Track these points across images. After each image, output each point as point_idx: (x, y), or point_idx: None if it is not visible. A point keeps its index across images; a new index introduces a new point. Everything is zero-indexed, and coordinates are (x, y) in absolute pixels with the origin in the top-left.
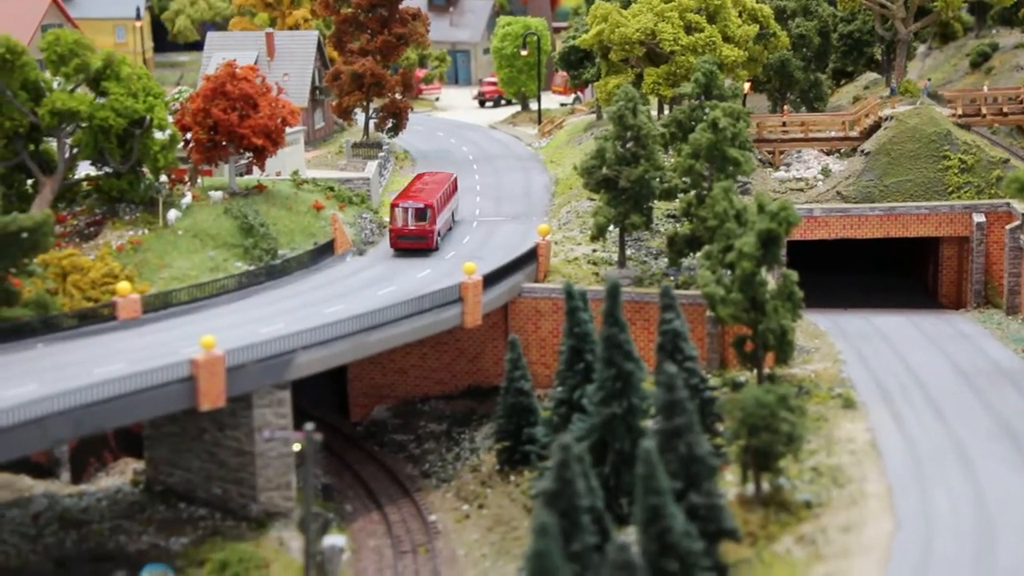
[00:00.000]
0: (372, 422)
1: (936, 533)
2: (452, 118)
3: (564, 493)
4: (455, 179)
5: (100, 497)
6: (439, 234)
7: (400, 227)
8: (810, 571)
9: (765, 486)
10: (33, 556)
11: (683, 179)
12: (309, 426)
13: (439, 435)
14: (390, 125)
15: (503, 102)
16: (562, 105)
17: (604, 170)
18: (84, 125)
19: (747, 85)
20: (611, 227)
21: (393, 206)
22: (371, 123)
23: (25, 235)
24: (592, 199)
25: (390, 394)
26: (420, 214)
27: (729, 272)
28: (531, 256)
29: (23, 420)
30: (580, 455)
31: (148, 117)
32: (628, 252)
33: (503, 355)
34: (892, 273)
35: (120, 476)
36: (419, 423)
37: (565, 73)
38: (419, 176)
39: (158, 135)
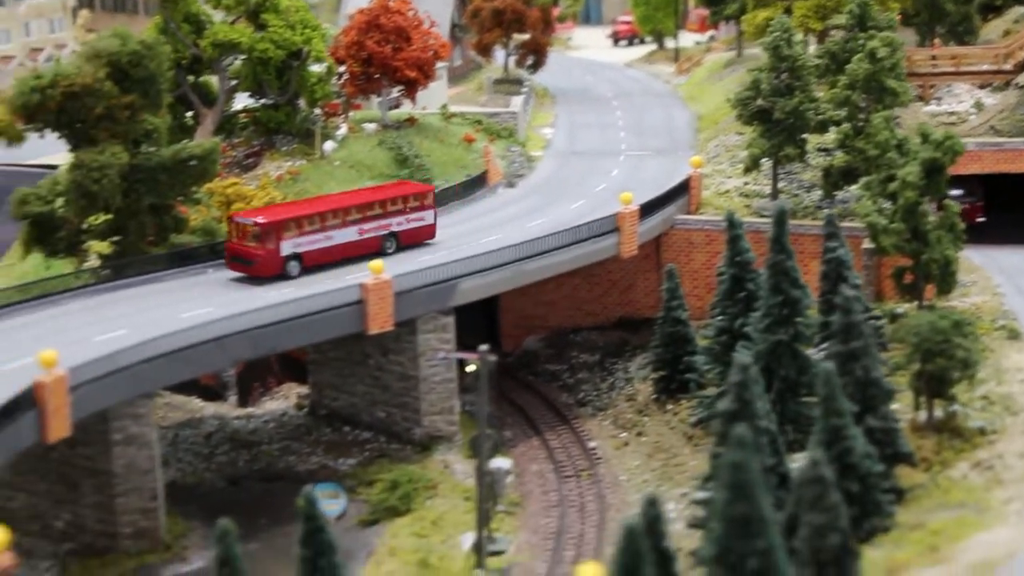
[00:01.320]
0: (524, 353)
1: None
2: (586, 57)
3: (743, 413)
4: (415, 194)
5: (267, 420)
6: (293, 262)
7: (232, 244)
8: (990, 495)
9: (938, 413)
10: (207, 474)
11: (839, 110)
12: (483, 347)
13: (592, 365)
14: (530, 62)
15: (637, 41)
16: (697, 44)
17: (759, 101)
18: (243, 57)
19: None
20: (764, 159)
21: (230, 218)
22: (510, 60)
23: (194, 162)
24: (741, 133)
25: (541, 325)
26: (256, 234)
27: (890, 202)
28: (683, 188)
29: (205, 339)
30: (757, 376)
31: (305, 49)
32: (780, 185)
33: (655, 287)
34: None
35: (284, 401)
36: (571, 354)
37: (701, 11)
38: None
39: (315, 67)
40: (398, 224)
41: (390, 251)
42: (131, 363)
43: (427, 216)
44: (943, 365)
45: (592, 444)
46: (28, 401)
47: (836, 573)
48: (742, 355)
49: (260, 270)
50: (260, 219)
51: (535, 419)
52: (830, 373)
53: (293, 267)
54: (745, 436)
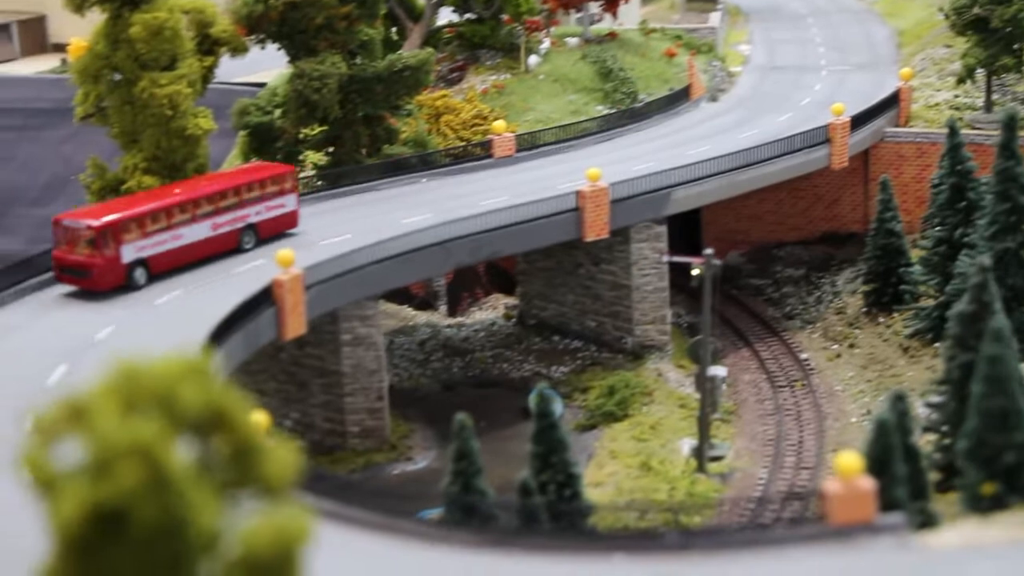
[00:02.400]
0: (726, 267)
1: None
2: None
3: (981, 315)
4: (275, 178)
5: (477, 329)
6: (139, 269)
7: (60, 253)
8: None
9: None
10: (424, 379)
11: None
12: (708, 250)
13: (797, 279)
14: None
15: None
16: None
17: (975, 10)
18: None
19: None
20: (978, 70)
21: (55, 222)
22: None
23: (408, 73)
24: (950, 46)
25: (744, 240)
26: (90, 239)
27: None
28: (893, 101)
29: (429, 243)
30: (991, 283)
31: None
32: (993, 97)
33: (861, 201)
34: None
35: (492, 311)
36: (775, 268)
37: None
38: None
39: None
40: (256, 214)
41: (248, 247)
42: (361, 265)
43: (288, 201)
44: None
45: (804, 355)
46: (267, 299)
47: None
48: (982, 258)
49: (97, 283)
50: (92, 221)
51: (744, 331)
52: None
53: (139, 275)
54: (1002, 329)
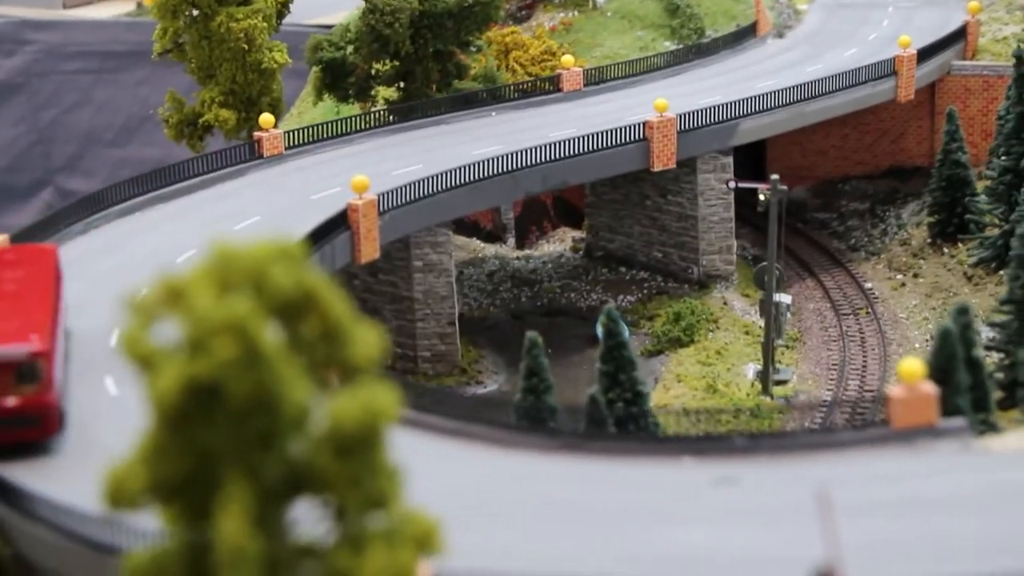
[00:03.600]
0: (791, 202)
1: None
2: None
3: None
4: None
5: (545, 261)
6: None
7: None
8: None
9: None
10: (493, 309)
11: None
12: (774, 176)
13: (862, 213)
14: None
15: None
16: None
17: None
18: None
19: None
20: None
21: None
22: None
23: (477, 9)
24: None
25: (809, 175)
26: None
27: None
28: (960, 34)
29: (499, 172)
30: None
31: None
32: None
33: (927, 135)
34: None
35: (559, 243)
36: (840, 202)
37: None
38: None
39: None
40: None
41: None
42: (432, 193)
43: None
44: None
45: (868, 285)
46: (343, 222)
47: None
48: None
49: (47, 430)
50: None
51: (808, 263)
52: None
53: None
54: None
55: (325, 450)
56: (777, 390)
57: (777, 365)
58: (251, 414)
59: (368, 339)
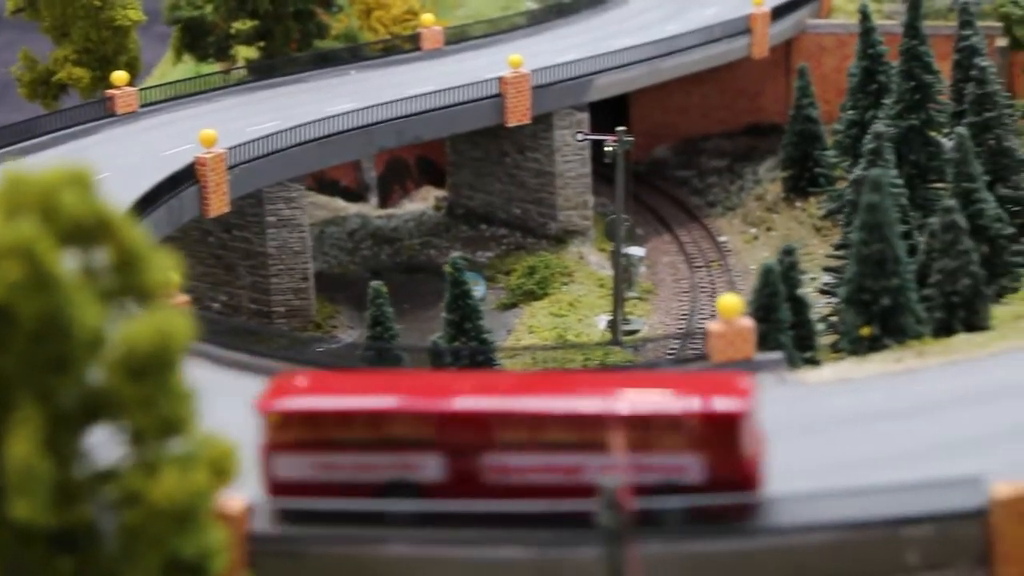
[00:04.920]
0: (653, 160)
1: None
2: None
3: (880, 179)
4: None
5: (407, 219)
6: None
7: None
8: None
9: None
10: (352, 266)
11: None
12: (620, 128)
13: (721, 170)
14: None
15: None
16: None
17: None
18: None
19: None
20: None
21: None
22: None
23: None
24: None
25: (671, 134)
26: None
27: None
28: None
29: (353, 127)
30: (889, 150)
31: None
32: None
33: (784, 93)
34: None
35: (423, 202)
36: (700, 159)
37: None
38: None
39: None
40: None
41: None
42: (283, 147)
43: None
44: None
45: (722, 239)
46: (190, 176)
47: (966, 315)
48: (876, 125)
49: None
50: None
51: (666, 218)
52: (963, 137)
53: None
54: (881, 178)
55: (119, 373)
56: (627, 339)
57: (628, 316)
58: (43, 338)
59: (163, 265)
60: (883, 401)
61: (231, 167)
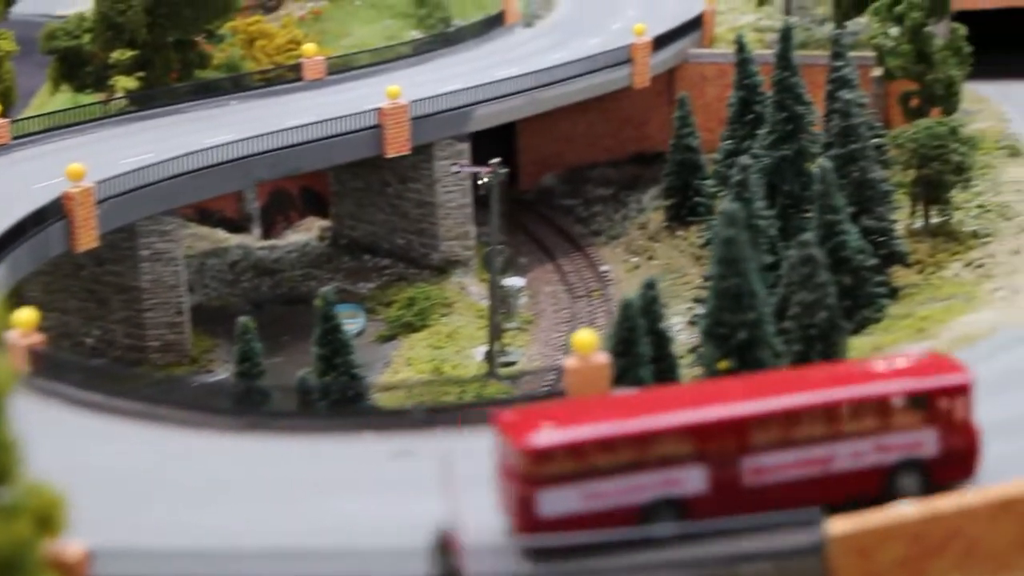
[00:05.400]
0: (541, 189)
1: None
2: None
3: (744, 211)
4: None
5: (290, 250)
6: None
7: None
8: (979, 288)
9: (934, 219)
10: (233, 298)
11: None
12: (495, 160)
13: (606, 198)
14: None
15: None
16: None
17: None
18: None
19: None
20: None
21: None
22: None
23: None
24: None
25: (558, 163)
26: None
27: (897, 27)
28: (697, 23)
29: (228, 159)
30: (758, 182)
31: None
32: (793, 19)
33: (668, 122)
34: None
35: (306, 232)
36: (586, 188)
37: None
38: None
39: None
40: None
41: None
42: (156, 180)
43: None
44: (938, 169)
45: (604, 268)
46: (57, 211)
47: (823, 348)
48: (742, 158)
49: None
50: None
51: (550, 247)
52: (826, 169)
53: None
54: (735, 212)
55: None
56: (504, 371)
57: (507, 348)
58: None
59: None
60: None
61: (100, 201)
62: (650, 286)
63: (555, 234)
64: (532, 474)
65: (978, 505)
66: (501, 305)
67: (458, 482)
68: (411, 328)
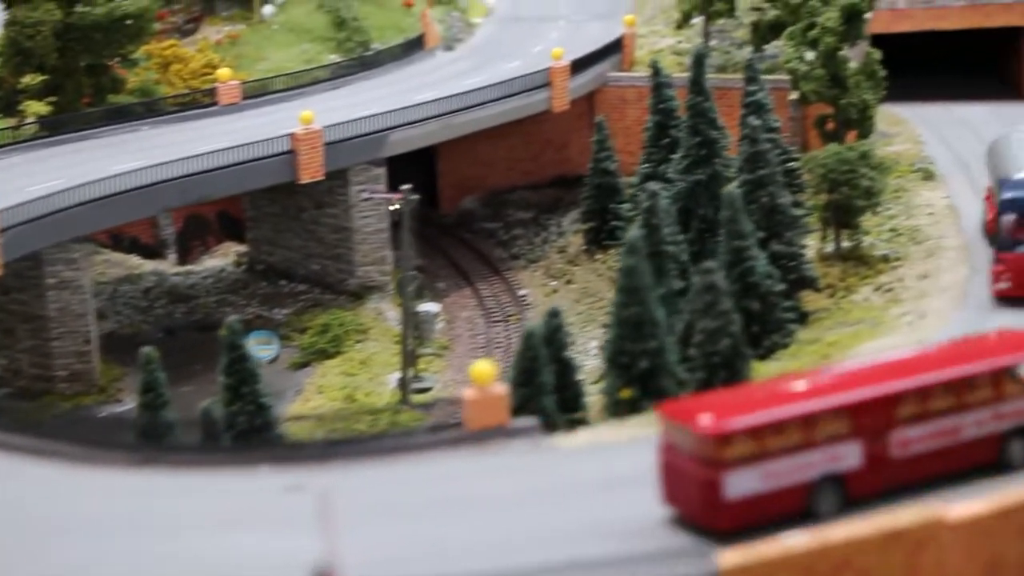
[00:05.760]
0: (461, 212)
1: None
2: None
3: (651, 239)
4: None
5: (205, 276)
6: None
7: None
8: (887, 313)
9: (845, 244)
10: (145, 325)
11: None
12: (406, 186)
13: (527, 222)
14: None
15: None
16: None
17: None
18: None
19: None
20: (695, 16)
21: None
22: None
23: (129, 21)
24: None
25: (478, 186)
26: None
27: (812, 51)
28: (617, 46)
29: (136, 186)
30: (668, 208)
31: None
32: (712, 43)
33: (588, 145)
34: (972, 71)
35: (223, 258)
36: (507, 212)
37: None
38: None
39: None
40: None
41: None
42: (62, 207)
43: None
44: (847, 194)
45: (522, 292)
46: None
47: (727, 375)
48: (651, 184)
49: None
50: None
51: (468, 272)
52: (733, 196)
53: None
54: (637, 241)
55: None
56: (418, 398)
57: (421, 374)
58: None
59: None
60: (627, 467)
61: (5, 229)
62: (554, 314)
63: (474, 258)
64: (718, 458)
65: (868, 536)
66: (416, 331)
67: (337, 518)
68: (325, 355)
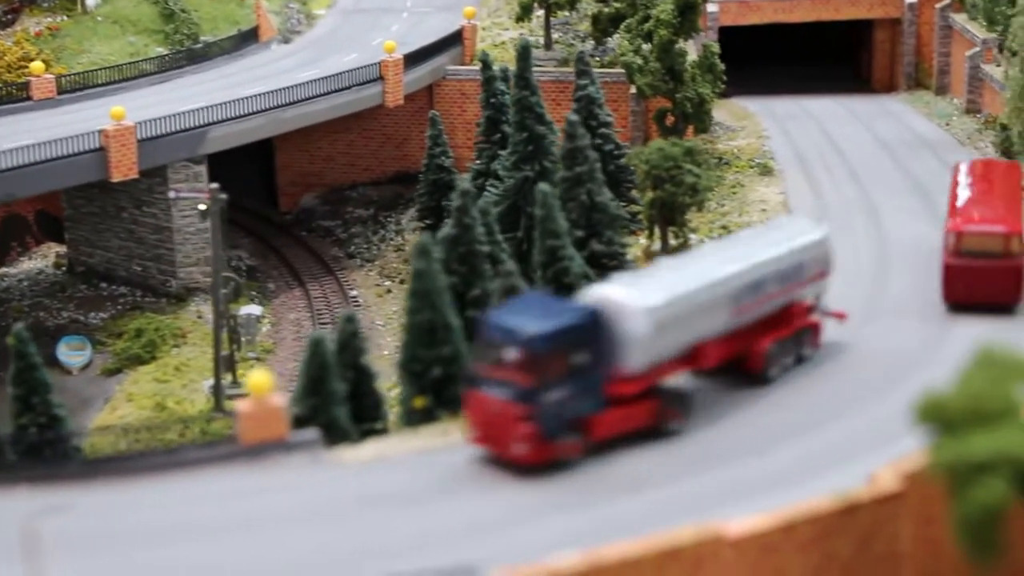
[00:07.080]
0: (301, 210)
1: (839, 274)
2: None
3: (463, 238)
4: None
5: (21, 278)
6: None
7: None
8: None
9: (672, 242)
10: None
11: None
12: (214, 185)
13: (366, 219)
14: None
15: None
16: None
17: None
18: None
19: None
20: (537, 8)
21: None
22: None
23: None
24: None
25: (318, 182)
26: None
27: (648, 44)
28: (456, 39)
29: None
30: (486, 209)
31: None
32: (555, 36)
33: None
34: (827, 63)
35: (43, 260)
36: (346, 209)
37: None
38: None
39: None
40: None
41: None
42: None
43: None
44: (672, 191)
45: (354, 293)
46: None
47: None
48: (462, 181)
49: None
50: None
51: (300, 272)
52: (547, 194)
53: None
54: (428, 244)
55: None
56: (231, 405)
57: (240, 379)
58: None
59: None
60: (407, 482)
61: None
62: (350, 320)
63: (308, 258)
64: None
65: (643, 555)
66: (235, 335)
67: (43, 547)
68: (139, 360)
